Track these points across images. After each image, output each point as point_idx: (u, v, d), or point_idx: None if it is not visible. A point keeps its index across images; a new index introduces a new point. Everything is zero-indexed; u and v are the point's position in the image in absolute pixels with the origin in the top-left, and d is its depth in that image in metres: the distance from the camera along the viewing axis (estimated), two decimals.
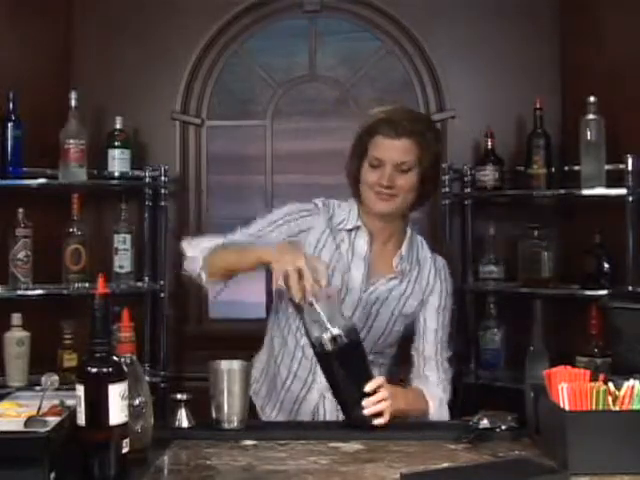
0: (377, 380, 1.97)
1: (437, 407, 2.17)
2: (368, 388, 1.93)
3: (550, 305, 3.42)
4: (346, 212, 2.24)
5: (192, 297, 3.79)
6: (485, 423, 1.86)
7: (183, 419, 1.93)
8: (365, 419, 1.92)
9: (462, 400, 3.44)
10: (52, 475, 1.47)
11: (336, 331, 1.88)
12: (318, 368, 2.17)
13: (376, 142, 2.15)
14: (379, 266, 2.22)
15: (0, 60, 3.37)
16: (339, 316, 1.93)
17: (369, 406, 1.92)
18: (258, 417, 2.28)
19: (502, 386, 3.35)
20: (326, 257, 2.18)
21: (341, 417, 2.18)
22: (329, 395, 2.18)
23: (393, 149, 2.12)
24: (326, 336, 1.89)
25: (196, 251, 2.17)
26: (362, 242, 2.21)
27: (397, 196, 2.14)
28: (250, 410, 2.10)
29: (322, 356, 1.93)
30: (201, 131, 3.82)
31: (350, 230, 2.22)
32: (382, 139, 2.14)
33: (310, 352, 2.16)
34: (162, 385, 3.45)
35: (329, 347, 1.89)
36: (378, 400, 1.93)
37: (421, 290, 2.25)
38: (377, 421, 1.93)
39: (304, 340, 2.17)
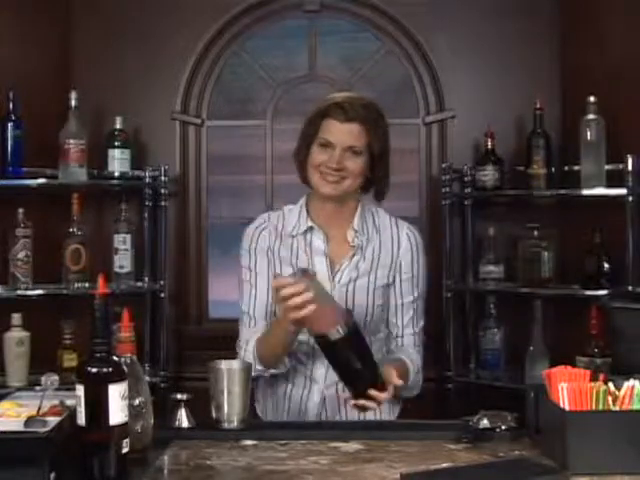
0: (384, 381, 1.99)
1: (415, 374, 2.20)
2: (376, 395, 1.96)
3: (550, 305, 3.43)
4: (296, 216, 2.25)
5: (192, 297, 3.79)
6: (485, 423, 1.86)
7: (183, 419, 1.93)
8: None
9: (462, 400, 3.47)
10: (52, 475, 1.47)
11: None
12: (313, 371, 2.19)
13: (327, 125, 2.15)
14: (339, 250, 2.23)
15: (0, 59, 3.37)
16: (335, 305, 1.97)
17: (377, 398, 1.96)
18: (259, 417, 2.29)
19: (502, 386, 3.35)
20: (284, 265, 2.20)
21: (343, 417, 2.19)
22: (330, 394, 2.19)
23: (343, 132, 2.13)
24: (321, 332, 1.92)
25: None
26: (318, 241, 2.22)
27: (346, 179, 2.15)
28: (251, 411, 2.11)
29: (327, 347, 1.95)
30: (201, 131, 3.82)
31: (305, 232, 2.23)
32: (333, 122, 2.14)
33: (303, 357, 2.19)
34: (162, 385, 3.45)
35: (333, 337, 1.90)
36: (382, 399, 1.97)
37: (388, 257, 2.24)
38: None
39: (295, 345, 2.17)
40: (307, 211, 2.25)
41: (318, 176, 2.16)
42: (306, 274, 1.97)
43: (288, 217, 2.26)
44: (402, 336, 2.25)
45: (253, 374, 2.10)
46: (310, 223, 2.23)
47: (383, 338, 2.27)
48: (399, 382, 2.03)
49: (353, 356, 1.94)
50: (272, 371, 2.17)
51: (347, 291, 2.20)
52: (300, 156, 2.22)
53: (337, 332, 1.90)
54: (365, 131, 2.14)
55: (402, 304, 2.25)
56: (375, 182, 2.23)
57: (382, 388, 1.98)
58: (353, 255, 2.22)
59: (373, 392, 1.95)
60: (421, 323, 2.29)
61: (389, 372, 2.02)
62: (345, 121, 2.13)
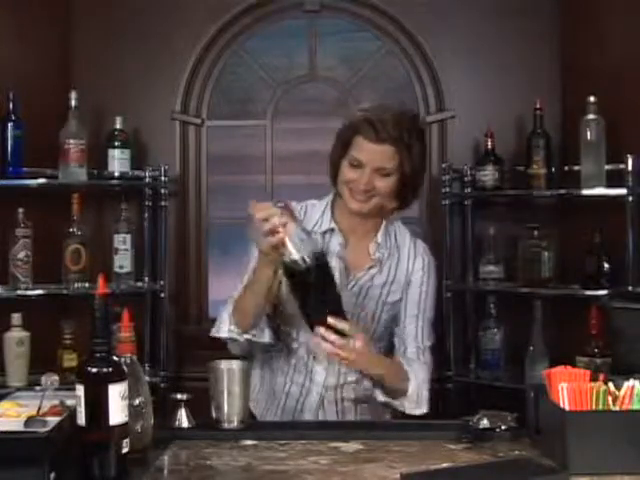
0: (349, 323, 1.96)
1: (415, 388, 2.15)
2: (338, 325, 1.94)
3: (550, 305, 3.43)
4: (319, 213, 2.23)
5: (192, 297, 3.79)
6: (485, 423, 1.86)
7: (183, 419, 1.93)
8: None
9: (462, 400, 3.47)
10: (52, 475, 1.47)
11: (302, 254, 1.91)
12: (314, 372, 2.19)
13: (358, 143, 2.11)
14: (357, 259, 2.21)
15: (0, 60, 3.37)
16: (308, 242, 1.95)
17: (323, 334, 1.94)
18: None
19: (502, 386, 3.35)
20: None
21: (341, 417, 2.19)
22: (328, 396, 2.18)
23: (374, 153, 2.09)
24: (291, 259, 1.91)
25: (222, 322, 2.14)
26: (335, 243, 2.20)
27: (374, 197, 2.13)
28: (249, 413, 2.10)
29: (290, 278, 1.95)
30: (201, 131, 3.82)
31: (324, 232, 2.21)
32: (364, 141, 2.09)
33: (303, 354, 2.19)
34: (162, 385, 3.45)
35: (298, 268, 1.91)
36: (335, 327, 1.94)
37: (403, 275, 2.23)
38: (324, 347, 1.95)
39: (296, 344, 2.18)
40: (332, 211, 2.23)
41: (347, 193, 2.14)
42: (286, 206, 1.98)
43: (310, 212, 2.24)
44: (406, 348, 2.22)
45: (225, 335, 2.10)
46: (332, 225, 2.21)
47: (384, 347, 2.26)
48: (358, 341, 1.97)
49: (316, 288, 1.92)
50: (247, 336, 2.10)
51: (357, 300, 2.19)
52: (332, 164, 2.19)
53: (303, 261, 1.90)
54: (397, 152, 2.09)
55: (405, 317, 2.23)
56: (402, 199, 2.19)
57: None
58: (371, 267, 2.21)
59: (331, 321, 1.93)
60: (427, 342, 2.24)
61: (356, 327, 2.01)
62: (376, 142, 2.08)
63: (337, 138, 2.19)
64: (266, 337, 2.13)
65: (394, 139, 2.08)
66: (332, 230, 2.21)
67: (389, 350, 2.27)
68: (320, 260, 1.94)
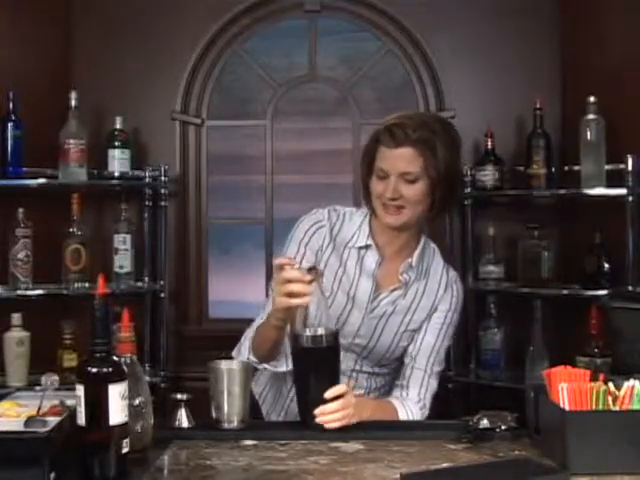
0: (339, 388, 1.91)
1: (405, 417, 2.12)
2: (328, 395, 1.89)
3: (550, 305, 3.43)
4: (357, 226, 2.17)
5: (192, 297, 3.80)
6: (485, 423, 1.86)
7: (183, 419, 1.93)
8: (318, 425, 1.90)
9: (462, 400, 3.47)
10: (52, 475, 1.47)
11: (319, 331, 1.88)
12: None
13: (380, 152, 2.07)
14: (386, 279, 2.16)
15: (0, 60, 3.37)
16: (325, 317, 1.91)
17: (321, 415, 1.89)
18: (262, 418, 2.27)
19: (502, 386, 3.35)
20: (328, 274, 2.10)
21: None
22: None
23: (394, 159, 2.04)
24: (306, 333, 1.88)
25: (244, 348, 2.12)
26: (371, 260, 2.14)
27: (404, 207, 2.06)
28: (254, 411, 2.10)
29: (296, 351, 1.92)
30: (201, 131, 3.82)
31: (360, 247, 2.15)
32: (384, 149, 2.06)
33: None
34: (162, 385, 3.45)
35: (306, 344, 1.88)
36: (332, 410, 1.89)
37: (429, 303, 2.17)
38: (328, 425, 1.89)
39: None
40: (370, 226, 2.17)
41: (380, 208, 2.09)
42: (314, 271, 1.91)
43: (348, 224, 2.18)
44: (412, 368, 2.17)
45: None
46: (369, 241, 2.15)
47: (390, 372, 2.23)
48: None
49: (319, 371, 1.89)
50: (266, 366, 2.08)
51: (376, 325, 2.15)
52: (362, 181, 2.15)
53: (314, 341, 1.87)
54: (418, 154, 2.03)
55: (422, 339, 2.17)
56: (439, 205, 2.12)
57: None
58: (395, 289, 2.16)
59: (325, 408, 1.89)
60: (437, 368, 2.18)
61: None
62: (395, 147, 2.04)
63: (363, 155, 2.14)
64: (286, 366, 2.06)
65: (413, 141, 2.02)
66: (369, 246, 2.15)
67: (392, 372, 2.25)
68: (330, 342, 1.89)
